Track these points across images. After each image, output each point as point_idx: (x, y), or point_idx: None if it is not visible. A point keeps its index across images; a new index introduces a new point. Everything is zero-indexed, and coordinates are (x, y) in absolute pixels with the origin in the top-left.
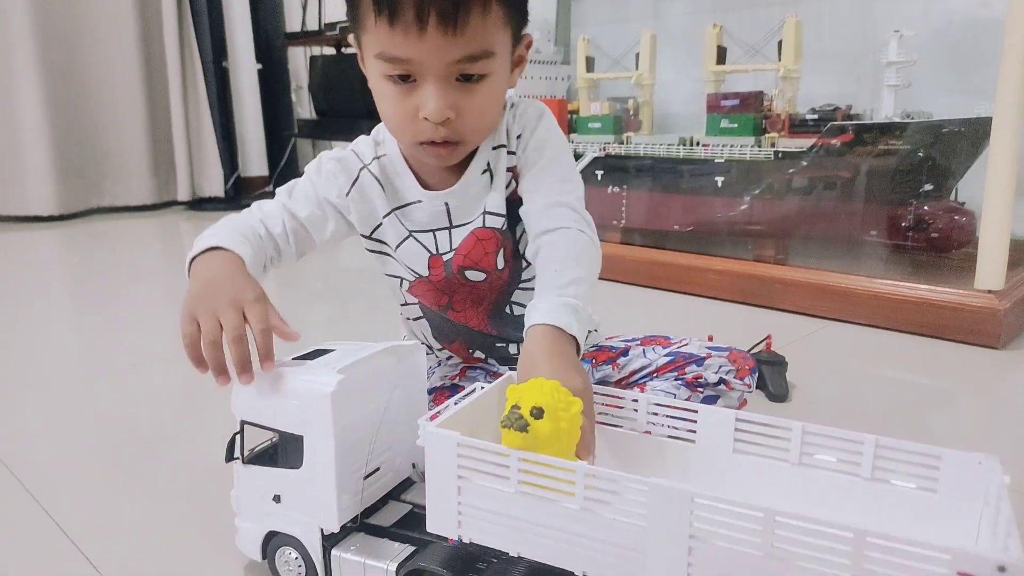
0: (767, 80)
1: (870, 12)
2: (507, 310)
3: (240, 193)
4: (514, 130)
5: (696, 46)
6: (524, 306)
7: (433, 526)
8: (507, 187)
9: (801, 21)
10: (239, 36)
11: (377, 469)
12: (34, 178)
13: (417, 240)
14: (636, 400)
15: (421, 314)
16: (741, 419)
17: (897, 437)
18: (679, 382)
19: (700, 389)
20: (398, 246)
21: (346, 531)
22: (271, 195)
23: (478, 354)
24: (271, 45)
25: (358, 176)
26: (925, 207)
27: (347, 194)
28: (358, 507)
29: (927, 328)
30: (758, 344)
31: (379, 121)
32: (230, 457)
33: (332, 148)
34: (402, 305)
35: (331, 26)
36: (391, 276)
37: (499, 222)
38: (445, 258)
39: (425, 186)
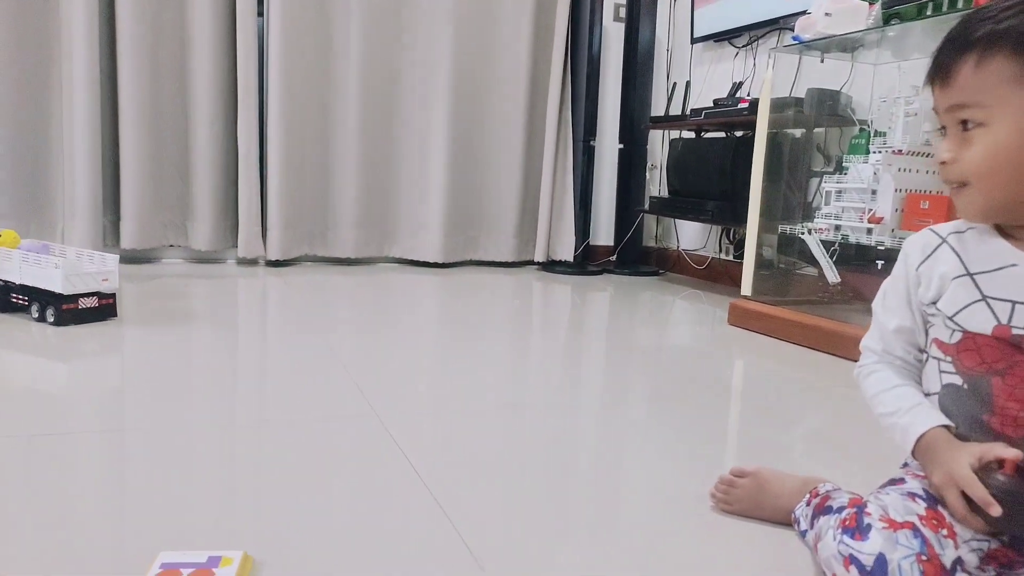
0: None
1: None
2: None
3: (587, 259)
4: None
5: None
6: None
7: None
8: None
9: None
10: (608, 118)
11: None
12: (431, 232)
13: (989, 306)
14: None
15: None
16: None
17: None
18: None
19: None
20: (959, 311)
21: None
22: (613, 264)
23: None
24: (635, 127)
25: (935, 249)
26: None
27: (917, 269)
28: None
29: None
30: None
31: (729, 203)
32: None
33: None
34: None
35: (696, 112)
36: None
37: None
38: (1015, 331)
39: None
